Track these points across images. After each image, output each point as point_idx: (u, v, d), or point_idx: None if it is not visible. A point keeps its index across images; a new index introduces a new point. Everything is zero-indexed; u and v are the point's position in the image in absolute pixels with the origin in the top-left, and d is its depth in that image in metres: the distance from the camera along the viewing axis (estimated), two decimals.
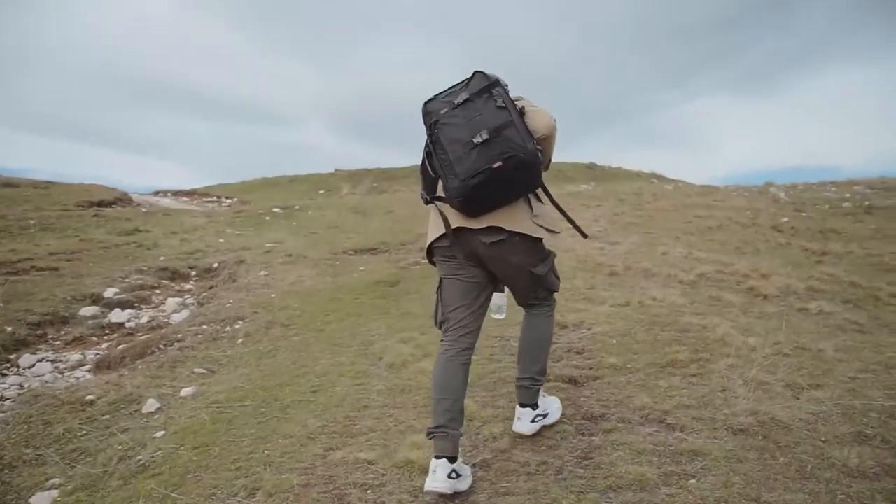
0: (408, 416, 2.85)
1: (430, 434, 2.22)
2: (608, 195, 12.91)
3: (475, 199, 2.12)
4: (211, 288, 6.92)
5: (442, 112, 2.16)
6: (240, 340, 4.55)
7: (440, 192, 2.25)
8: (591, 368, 3.25)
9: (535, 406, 2.52)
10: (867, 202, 12.02)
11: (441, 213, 2.23)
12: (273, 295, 5.77)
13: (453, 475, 2.15)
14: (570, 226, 2.47)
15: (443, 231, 2.23)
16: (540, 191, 2.32)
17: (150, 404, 3.42)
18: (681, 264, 5.86)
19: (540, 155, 2.15)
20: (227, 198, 20.30)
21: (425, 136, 2.22)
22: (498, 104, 2.11)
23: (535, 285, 2.37)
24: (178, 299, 6.49)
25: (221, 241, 9.24)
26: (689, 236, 8.65)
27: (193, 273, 7.60)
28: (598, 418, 2.66)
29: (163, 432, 3.05)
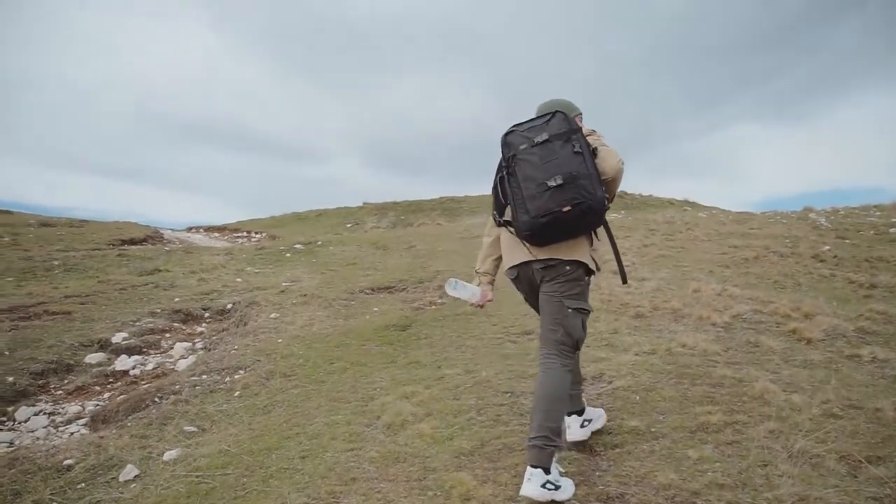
0: (398, 494, 2.51)
1: None
2: (638, 225, 12.46)
3: (542, 234, 2.33)
4: (223, 331, 6.72)
5: (521, 147, 2.34)
6: (237, 393, 4.28)
7: (508, 217, 2.49)
8: (609, 433, 2.87)
9: (547, 470, 2.28)
10: None
11: (504, 244, 2.59)
12: (280, 340, 5.51)
13: (585, 424, 2.75)
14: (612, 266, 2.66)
15: (513, 263, 2.53)
16: (600, 229, 2.52)
17: (129, 471, 3.15)
18: (714, 303, 5.42)
19: (607, 201, 2.34)
20: (256, 233, 20.52)
21: (500, 161, 2.44)
22: (575, 150, 2.27)
23: (559, 321, 2.42)
24: (186, 344, 6.30)
25: (239, 280, 9.10)
26: (724, 269, 8.16)
27: (207, 315, 7.43)
28: (616, 500, 2.28)
29: None
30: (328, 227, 20.19)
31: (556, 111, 2.40)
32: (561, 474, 2.40)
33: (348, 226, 20.40)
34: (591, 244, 2.45)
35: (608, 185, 2.38)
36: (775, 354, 4.00)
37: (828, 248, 9.65)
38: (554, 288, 2.42)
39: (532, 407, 2.42)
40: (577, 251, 2.39)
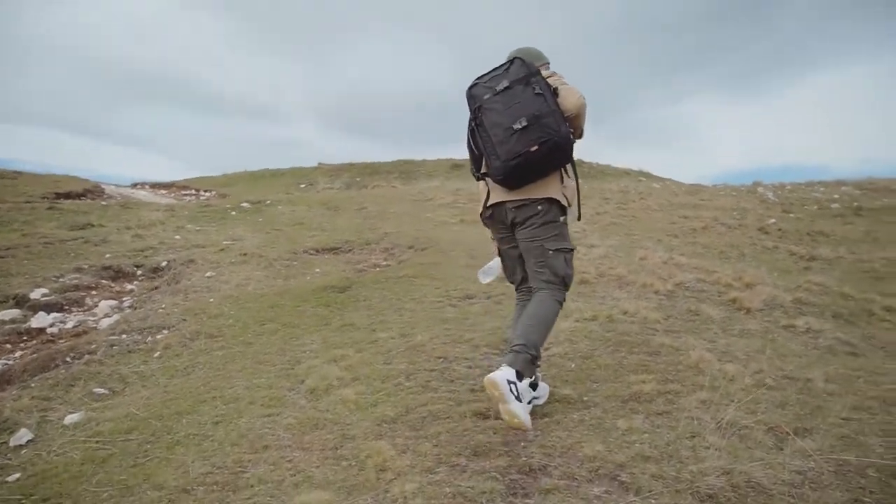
0: (310, 463, 2.34)
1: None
2: (593, 193, 12.45)
3: (514, 175, 2.40)
4: (154, 289, 6.37)
5: (485, 97, 2.41)
6: (157, 353, 4.01)
7: (484, 169, 2.56)
8: None
9: (520, 375, 2.35)
10: (856, 203, 11.66)
11: (487, 190, 2.58)
12: (211, 300, 5.23)
13: (532, 399, 2.59)
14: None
15: (487, 204, 2.58)
16: (569, 166, 2.56)
17: (21, 435, 2.89)
18: (659, 271, 5.38)
19: (571, 136, 2.43)
20: (205, 191, 19.69)
21: (469, 117, 2.51)
22: (536, 91, 2.34)
23: (543, 263, 2.50)
24: (113, 302, 5.93)
25: (178, 237, 8.66)
26: (672, 238, 8.21)
27: (139, 272, 7.04)
28: (538, 472, 2.16)
29: (19, 475, 2.52)
30: (281, 187, 19.56)
31: (515, 58, 2.48)
32: (530, 401, 2.57)
33: (302, 186, 19.81)
34: (562, 181, 2.50)
35: (572, 121, 2.45)
36: (714, 323, 3.97)
37: (773, 221, 9.83)
38: (532, 233, 2.48)
39: (517, 324, 2.55)
40: (548, 189, 2.45)
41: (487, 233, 2.86)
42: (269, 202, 12.41)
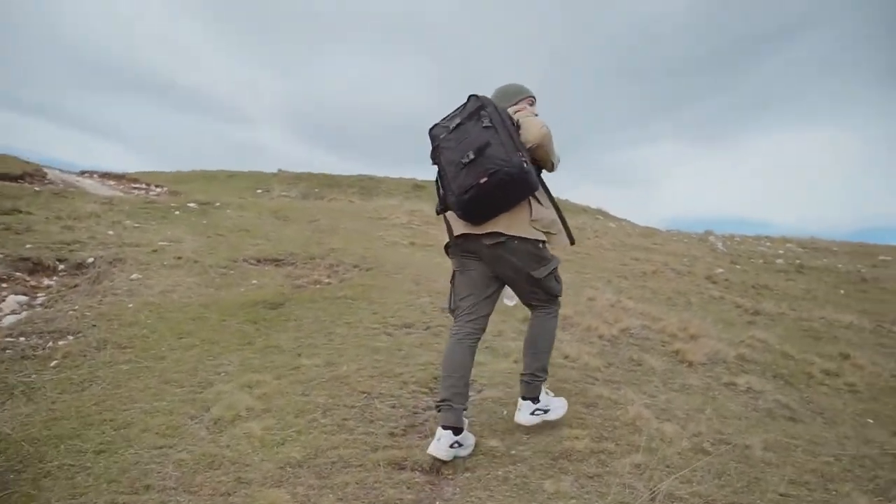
0: None
1: (437, 407, 2.51)
2: None
3: (471, 210, 2.40)
4: (74, 287, 5.90)
5: (441, 137, 2.45)
6: (54, 363, 3.62)
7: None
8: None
9: (535, 400, 2.67)
10: (798, 261, 12.00)
11: (447, 222, 2.57)
12: (130, 305, 4.83)
13: (455, 445, 2.43)
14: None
15: (457, 234, 2.53)
16: (542, 193, 2.56)
17: None
18: (606, 314, 5.26)
19: (526, 164, 2.34)
20: (157, 186, 18.88)
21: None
22: (484, 125, 2.33)
23: (535, 287, 2.57)
24: (23, 298, 5.43)
25: (111, 233, 8.12)
26: (622, 280, 8.17)
27: (62, 267, 6.50)
28: None
29: None
30: (235, 191, 18.94)
31: (470, 96, 2.47)
32: (549, 395, 2.79)
33: (258, 191, 19.23)
34: (531, 214, 2.45)
35: (536, 151, 2.48)
36: (655, 376, 3.83)
37: (721, 271, 9.96)
38: (514, 269, 2.49)
39: (524, 348, 2.71)
40: (515, 224, 2.42)
41: (445, 261, 2.78)
42: (218, 204, 11.90)
